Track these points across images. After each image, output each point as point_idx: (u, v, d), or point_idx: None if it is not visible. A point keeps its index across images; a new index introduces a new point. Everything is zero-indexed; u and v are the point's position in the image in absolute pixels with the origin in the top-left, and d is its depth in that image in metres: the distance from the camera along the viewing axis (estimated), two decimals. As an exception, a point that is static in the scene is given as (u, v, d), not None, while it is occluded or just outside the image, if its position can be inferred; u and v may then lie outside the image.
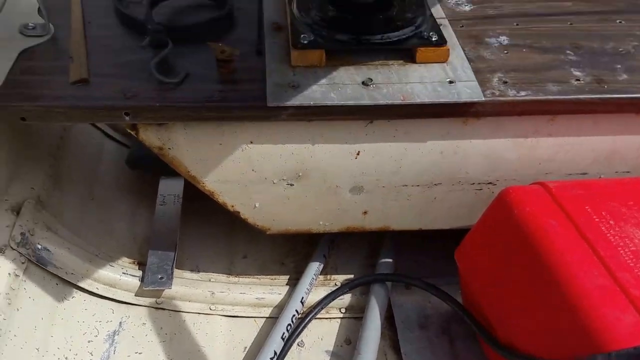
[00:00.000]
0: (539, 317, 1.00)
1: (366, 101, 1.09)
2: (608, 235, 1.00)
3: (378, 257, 1.49)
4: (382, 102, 1.09)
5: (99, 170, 1.61)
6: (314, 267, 1.45)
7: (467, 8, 1.32)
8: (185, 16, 1.33)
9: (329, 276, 1.51)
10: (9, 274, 1.17)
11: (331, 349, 1.35)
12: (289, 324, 1.32)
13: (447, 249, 1.42)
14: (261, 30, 1.26)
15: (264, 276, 1.50)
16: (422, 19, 1.19)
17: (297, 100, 1.09)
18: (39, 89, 1.11)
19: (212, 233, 1.60)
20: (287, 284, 1.47)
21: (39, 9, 1.28)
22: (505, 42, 1.22)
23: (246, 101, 1.11)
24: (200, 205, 1.54)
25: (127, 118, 1.11)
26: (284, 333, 1.30)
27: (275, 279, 1.50)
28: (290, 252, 1.57)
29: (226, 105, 1.11)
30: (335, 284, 1.48)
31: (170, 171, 1.57)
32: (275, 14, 1.31)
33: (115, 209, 1.55)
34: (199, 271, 1.49)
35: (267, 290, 1.43)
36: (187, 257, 1.52)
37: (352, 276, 1.50)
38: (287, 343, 1.29)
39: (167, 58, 1.17)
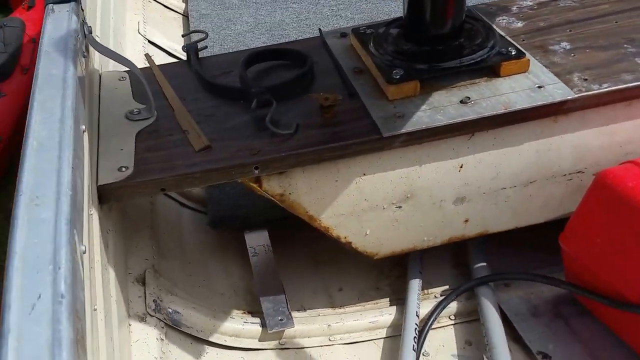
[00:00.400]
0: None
1: (472, 116, 1.20)
2: None
3: (470, 263, 1.57)
4: (486, 114, 1.19)
5: (184, 235, 1.66)
6: (416, 283, 1.53)
7: (519, 24, 1.46)
8: (271, 77, 1.42)
9: (425, 290, 1.58)
10: (157, 338, 1.20)
11: (456, 352, 1.43)
12: (415, 336, 1.38)
13: (528, 242, 1.54)
14: (344, 76, 1.36)
15: (366, 302, 1.56)
16: (494, 40, 1.31)
17: (408, 127, 1.19)
18: (170, 162, 1.17)
19: (301, 273, 1.65)
20: (390, 305, 1.54)
21: (132, 95, 1.36)
22: (568, 47, 1.36)
23: (361, 137, 1.20)
24: (281, 250, 1.62)
25: (256, 172, 1.18)
26: (413, 345, 1.36)
27: (377, 302, 1.56)
28: (380, 276, 1.64)
29: (344, 144, 1.19)
30: (435, 296, 1.56)
31: (251, 225, 1.65)
32: (349, 60, 1.42)
33: (210, 268, 1.60)
34: (305, 309, 1.54)
35: (377, 314, 1.50)
36: (289, 299, 1.57)
37: (447, 287, 1.58)
38: (418, 354, 1.36)
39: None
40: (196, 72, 1.44)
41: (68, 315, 0.61)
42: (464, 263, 1.63)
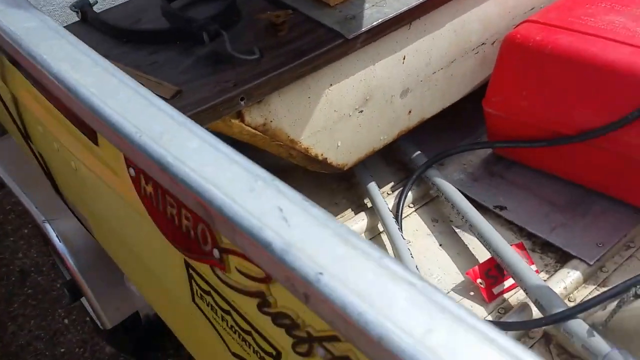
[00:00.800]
0: (592, 96, 1.37)
1: (414, 2, 1.31)
2: (603, 27, 1.40)
3: (406, 156, 1.72)
4: (425, -4, 1.31)
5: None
6: (374, 186, 1.63)
7: None
8: (197, 11, 1.35)
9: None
10: None
11: (430, 231, 1.57)
12: (399, 227, 1.49)
13: (443, 124, 1.74)
14: None
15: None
16: None
17: (365, 24, 1.26)
18: None
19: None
20: (356, 214, 1.62)
21: None
22: None
23: (327, 44, 1.23)
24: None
25: (242, 103, 1.15)
26: (401, 234, 1.47)
27: (343, 215, 1.63)
28: (332, 193, 1.71)
29: (315, 55, 1.22)
30: (388, 193, 1.68)
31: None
32: None
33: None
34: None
35: (350, 224, 1.57)
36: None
37: (392, 183, 1.71)
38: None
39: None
40: (110, 26, 1.31)
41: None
42: (396, 160, 1.78)
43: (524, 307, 1.31)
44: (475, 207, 1.54)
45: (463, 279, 1.44)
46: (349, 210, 1.64)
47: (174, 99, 1.13)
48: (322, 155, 1.39)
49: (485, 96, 1.56)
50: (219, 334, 0.84)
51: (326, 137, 1.36)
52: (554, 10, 1.51)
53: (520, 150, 1.60)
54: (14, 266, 2.48)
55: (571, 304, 1.29)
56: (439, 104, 1.59)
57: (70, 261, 1.71)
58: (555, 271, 1.43)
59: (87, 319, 2.25)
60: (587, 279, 1.40)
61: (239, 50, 1.20)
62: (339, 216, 1.62)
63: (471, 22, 1.49)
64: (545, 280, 1.41)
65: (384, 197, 1.66)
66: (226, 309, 0.80)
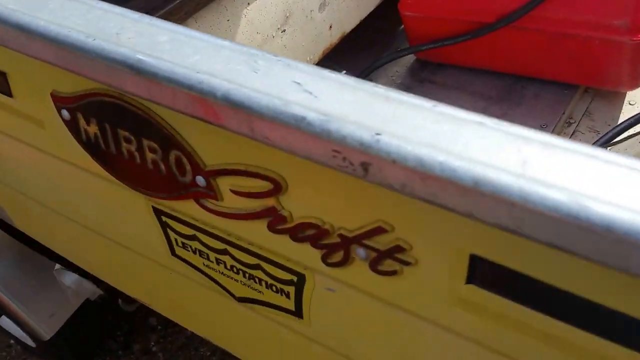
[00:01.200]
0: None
1: None
2: None
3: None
4: None
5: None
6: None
7: None
8: None
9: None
10: None
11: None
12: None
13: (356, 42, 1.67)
14: None
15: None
16: None
17: None
18: None
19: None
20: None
21: None
22: None
23: (239, -44, 1.10)
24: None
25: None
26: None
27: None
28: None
29: (228, -31, 1.08)
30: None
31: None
32: None
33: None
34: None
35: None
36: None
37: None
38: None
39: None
40: None
41: None
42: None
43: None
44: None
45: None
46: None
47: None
48: (252, 86, 1.27)
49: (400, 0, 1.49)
50: (217, 282, 0.72)
51: (254, 65, 1.24)
52: None
53: (444, 50, 1.56)
54: None
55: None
56: (355, 15, 1.51)
57: (-19, 278, 1.47)
58: (509, 159, 1.42)
59: (12, 341, 1.99)
60: (540, 160, 1.40)
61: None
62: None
63: None
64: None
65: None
66: (221, 249, 0.68)
